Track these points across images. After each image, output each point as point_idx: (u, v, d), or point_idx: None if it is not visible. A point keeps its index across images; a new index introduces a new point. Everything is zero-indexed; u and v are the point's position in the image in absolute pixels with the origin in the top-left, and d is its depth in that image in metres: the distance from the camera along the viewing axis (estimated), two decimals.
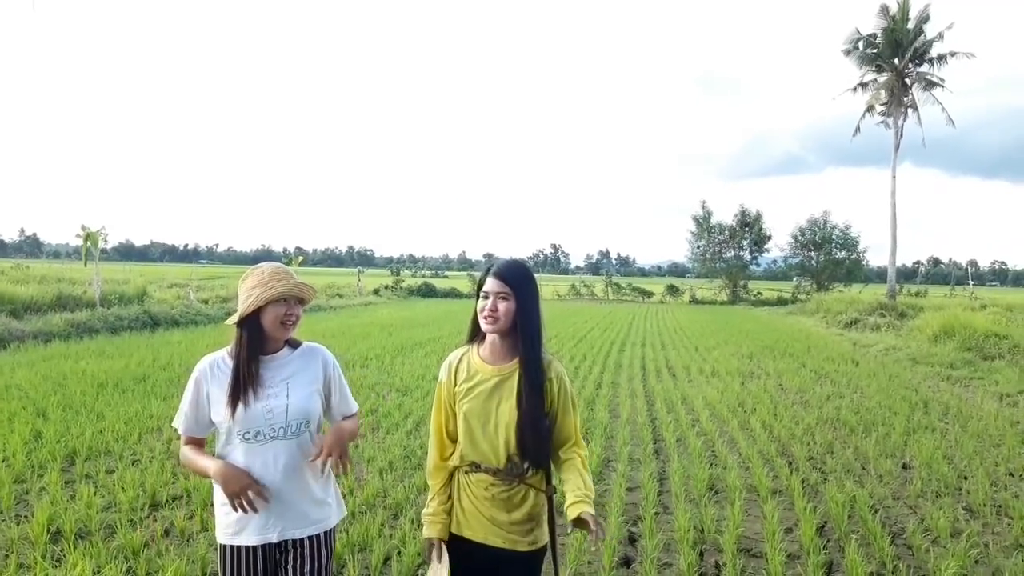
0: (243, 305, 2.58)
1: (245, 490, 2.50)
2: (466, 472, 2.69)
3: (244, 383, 2.56)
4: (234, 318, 2.62)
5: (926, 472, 6.90)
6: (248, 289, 2.59)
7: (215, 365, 2.65)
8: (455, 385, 2.72)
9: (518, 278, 2.63)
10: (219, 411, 2.58)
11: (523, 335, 2.62)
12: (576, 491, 2.59)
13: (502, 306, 2.59)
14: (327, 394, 2.76)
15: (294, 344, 2.74)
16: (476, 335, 2.77)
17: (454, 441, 2.74)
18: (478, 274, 2.81)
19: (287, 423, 2.60)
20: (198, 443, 2.70)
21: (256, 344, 2.61)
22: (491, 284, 2.62)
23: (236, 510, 2.51)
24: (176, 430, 2.71)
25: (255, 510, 2.52)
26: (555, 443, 2.73)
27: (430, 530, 2.71)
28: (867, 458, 7.42)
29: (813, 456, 7.55)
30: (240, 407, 2.55)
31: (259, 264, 2.67)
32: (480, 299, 2.66)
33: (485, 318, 2.62)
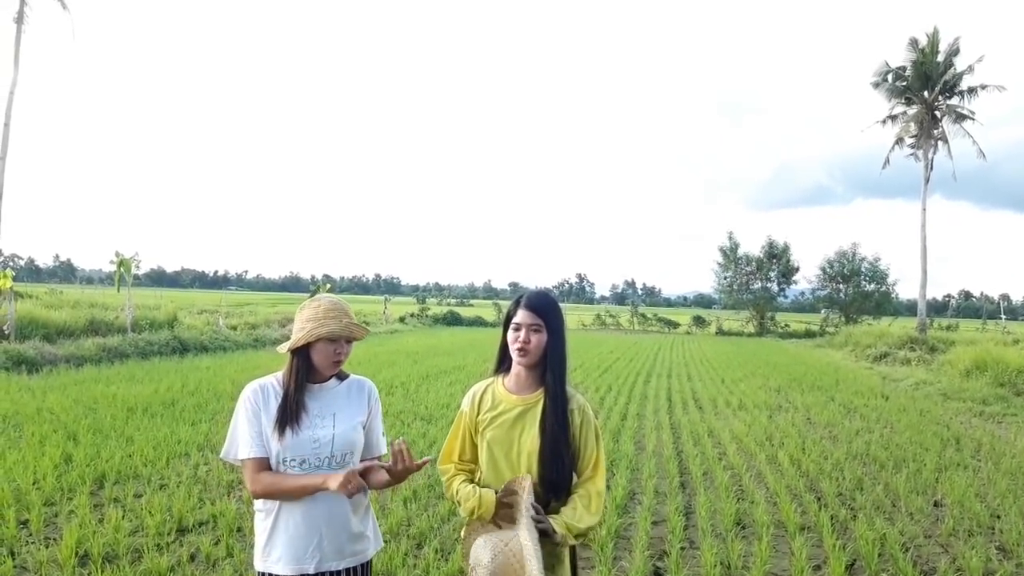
0: (296, 335, 2.62)
1: (352, 475, 2.45)
2: None
3: (293, 410, 2.58)
4: (286, 346, 2.66)
5: (958, 510, 6.77)
6: (303, 321, 2.62)
7: (265, 389, 2.65)
8: (478, 415, 2.75)
9: (549, 310, 2.67)
10: (267, 436, 2.60)
11: (551, 366, 2.65)
12: (563, 515, 2.56)
13: (535, 338, 2.62)
14: (371, 429, 2.78)
15: (342, 376, 2.77)
16: (502, 365, 2.79)
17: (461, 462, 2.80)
18: (503, 303, 2.85)
19: (332, 453, 2.61)
20: (270, 468, 2.59)
21: (305, 374, 2.63)
22: (523, 316, 2.64)
23: (351, 496, 2.50)
24: (236, 460, 2.62)
25: (366, 489, 2.55)
26: (576, 475, 2.72)
27: (487, 499, 2.58)
28: (897, 495, 7.30)
29: (842, 492, 7.43)
30: (288, 433, 2.56)
31: (318, 296, 2.69)
32: (511, 330, 2.68)
33: (518, 350, 2.64)
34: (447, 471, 2.80)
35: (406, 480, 2.66)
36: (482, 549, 2.47)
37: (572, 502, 2.63)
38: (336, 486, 2.43)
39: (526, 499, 2.51)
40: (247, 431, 2.59)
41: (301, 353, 2.62)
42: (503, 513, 2.60)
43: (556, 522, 2.51)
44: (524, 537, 2.40)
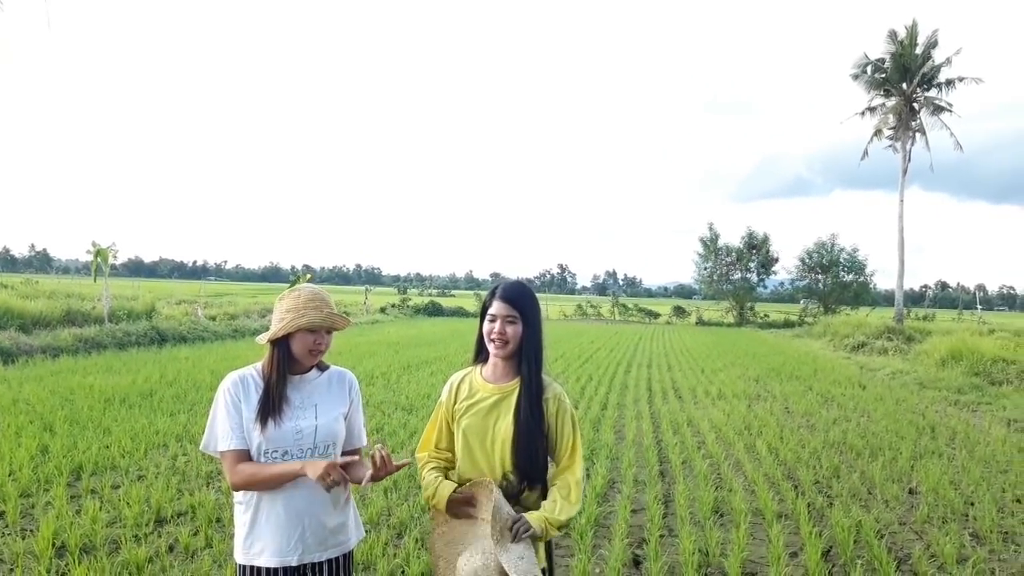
0: (275, 326, 2.60)
1: (332, 467, 2.42)
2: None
3: (274, 401, 2.57)
4: (264, 337, 2.63)
5: (933, 497, 6.86)
6: (283, 312, 2.60)
7: (245, 380, 2.63)
8: (455, 403, 2.77)
9: (524, 301, 2.67)
10: (248, 427, 2.58)
11: (526, 356, 2.66)
12: (544, 509, 2.57)
13: (510, 329, 2.64)
14: (351, 421, 2.77)
15: (322, 367, 2.76)
16: (480, 355, 2.81)
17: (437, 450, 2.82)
18: (485, 293, 2.84)
19: (315, 444, 2.61)
20: (249, 459, 2.58)
21: (285, 365, 2.62)
22: (498, 307, 2.65)
23: (330, 490, 2.47)
24: (216, 453, 2.61)
25: (347, 482, 2.49)
26: (554, 463, 2.74)
27: (442, 491, 2.63)
28: (873, 483, 7.39)
29: (819, 480, 7.52)
30: (271, 424, 2.55)
31: (298, 286, 2.67)
32: (487, 322, 2.69)
33: (492, 341, 2.66)
34: (422, 459, 2.83)
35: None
36: (467, 564, 2.47)
37: (552, 494, 2.63)
38: (314, 475, 2.41)
39: (503, 511, 2.50)
40: (226, 423, 2.57)
41: (281, 344, 2.60)
42: (460, 511, 2.63)
43: (535, 519, 2.51)
44: (505, 560, 2.38)
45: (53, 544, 4.86)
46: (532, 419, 2.63)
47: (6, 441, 7.43)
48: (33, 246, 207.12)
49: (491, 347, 2.68)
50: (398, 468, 2.51)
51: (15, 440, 7.49)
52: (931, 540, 5.74)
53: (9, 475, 6.38)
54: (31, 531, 5.19)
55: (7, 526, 5.33)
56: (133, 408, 9.61)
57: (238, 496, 2.64)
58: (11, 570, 4.56)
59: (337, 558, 2.69)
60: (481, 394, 2.73)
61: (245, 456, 2.56)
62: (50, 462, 6.79)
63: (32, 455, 6.96)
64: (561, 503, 2.59)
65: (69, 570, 4.55)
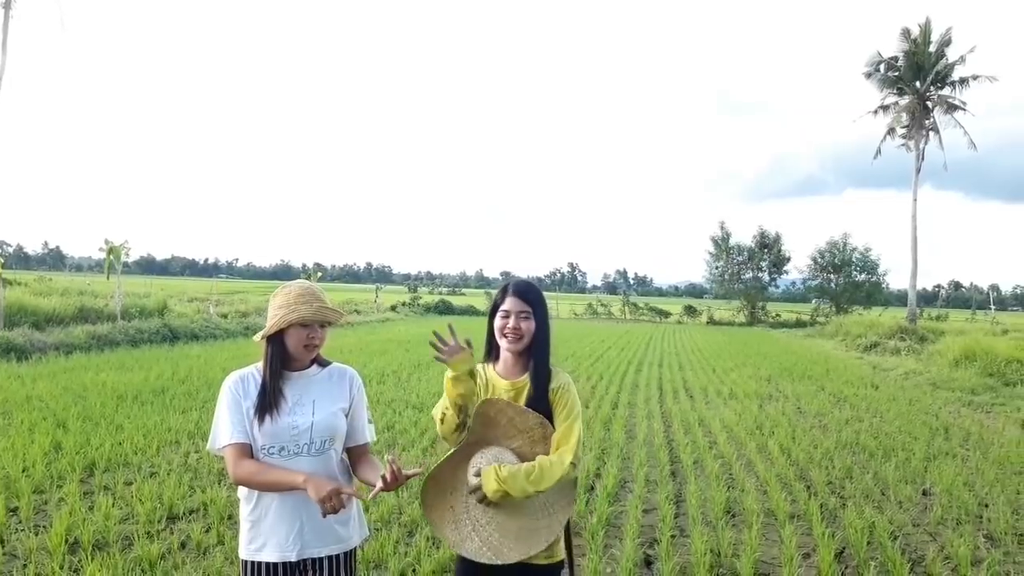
0: (268, 323, 2.62)
1: (335, 493, 2.44)
2: None
3: (271, 398, 2.59)
4: (259, 335, 2.66)
5: (947, 499, 6.81)
6: (275, 308, 2.62)
7: (245, 378, 2.66)
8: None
9: (536, 298, 2.77)
10: (248, 423, 2.60)
11: (537, 350, 2.74)
12: (507, 468, 2.58)
13: (524, 325, 2.71)
14: (354, 418, 2.77)
15: (323, 363, 2.76)
16: (491, 353, 2.86)
17: None
18: (495, 292, 2.87)
19: (312, 440, 2.61)
20: (251, 454, 2.60)
21: (280, 361, 2.63)
22: (511, 303, 2.73)
23: (326, 515, 2.46)
24: (220, 450, 2.62)
25: (343, 507, 2.48)
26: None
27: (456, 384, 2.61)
28: (887, 484, 7.34)
29: (832, 480, 7.47)
30: (267, 420, 2.57)
31: (289, 283, 2.69)
32: (499, 317, 2.75)
33: (506, 336, 2.73)
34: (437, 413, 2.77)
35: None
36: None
37: (527, 464, 2.62)
38: (316, 497, 2.42)
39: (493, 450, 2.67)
40: (228, 419, 2.60)
41: (275, 341, 2.62)
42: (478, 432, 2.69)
43: (492, 476, 2.56)
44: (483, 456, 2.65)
45: (66, 540, 4.89)
46: (541, 409, 2.71)
47: (20, 437, 7.47)
48: (46, 243, 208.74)
49: (504, 342, 2.75)
50: (408, 478, 2.52)
51: (28, 436, 7.53)
52: (945, 542, 5.69)
53: (23, 471, 6.42)
54: (44, 527, 5.21)
55: (21, 522, 5.35)
56: (145, 405, 9.65)
57: (241, 491, 2.66)
58: (24, 566, 4.58)
59: (338, 555, 2.68)
60: (495, 390, 2.80)
61: (247, 451, 2.58)
62: (63, 458, 6.82)
63: (45, 451, 7.00)
64: (531, 467, 2.59)
65: (82, 566, 4.57)
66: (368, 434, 2.82)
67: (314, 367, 2.72)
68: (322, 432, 2.63)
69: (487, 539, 2.64)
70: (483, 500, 2.61)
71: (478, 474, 2.61)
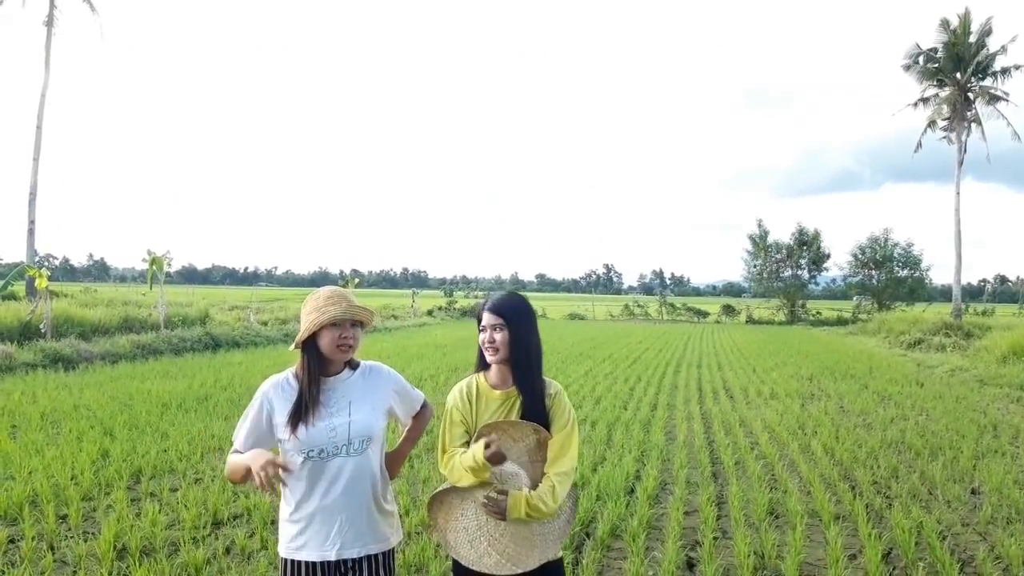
0: (301, 331, 2.66)
1: (270, 463, 2.45)
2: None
3: (306, 406, 2.63)
4: (294, 344, 2.70)
5: (996, 497, 6.65)
6: (306, 315, 2.68)
7: (280, 385, 2.71)
8: (471, 407, 2.89)
9: (510, 310, 2.86)
10: (282, 430, 2.64)
11: (515, 361, 2.82)
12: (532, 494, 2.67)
13: (499, 336, 2.80)
14: (402, 403, 2.90)
15: (355, 365, 2.80)
16: (483, 364, 2.95)
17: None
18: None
19: (350, 440, 2.65)
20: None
21: (316, 367, 2.67)
22: (487, 318, 2.86)
23: (261, 486, 2.46)
24: (231, 450, 2.74)
25: (272, 488, 2.49)
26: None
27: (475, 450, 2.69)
28: (934, 483, 7.19)
29: (877, 480, 7.34)
30: (302, 428, 2.60)
31: (318, 289, 2.74)
32: (480, 332, 2.88)
33: (486, 348, 2.85)
34: (445, 462, 2.85)
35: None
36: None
37: (545, 482, 2.73)
38: (255, 467, 2.45)
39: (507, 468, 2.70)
40: (246, 427, 2.69)
41: (310, 346, 2.67)
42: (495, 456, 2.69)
43: (520, 499, 2.64)
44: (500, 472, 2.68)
45: (114, 546, 4.98)
46: (535, 418, 2.79)
47: (68, 446, 7.63)
48: (91, 255, 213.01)
49: (486, 354, 2.86)
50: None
51: (77, 445, 7.69)
52: (995, 541, 5.56)
53: (71, 479, 6.56)
54: (93, 534, 5.32)
55: (70, 529, 5.47)
56: (189, 412, 9.81)
57: (284, 493, 2.70)
58: (74, 572, 4.68)
59: (377, 555, 2.71)
60: (488, 399, 2.88)
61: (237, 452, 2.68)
62: (111, 466, 6.95)
63: (93, 459, 7.14)
64: (546, 493, 2.69)
65: (130, 571, 4.66)
66: (418, 398, 2.99)
67: (347, 370, 2.77)
68: (360, 432, 2.67)
69: (504, 551, 2.67)
70: (499, 515, 2.67)
71: (503, 492, 2.65)
